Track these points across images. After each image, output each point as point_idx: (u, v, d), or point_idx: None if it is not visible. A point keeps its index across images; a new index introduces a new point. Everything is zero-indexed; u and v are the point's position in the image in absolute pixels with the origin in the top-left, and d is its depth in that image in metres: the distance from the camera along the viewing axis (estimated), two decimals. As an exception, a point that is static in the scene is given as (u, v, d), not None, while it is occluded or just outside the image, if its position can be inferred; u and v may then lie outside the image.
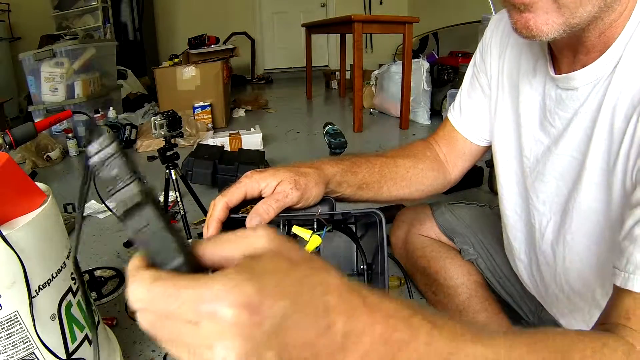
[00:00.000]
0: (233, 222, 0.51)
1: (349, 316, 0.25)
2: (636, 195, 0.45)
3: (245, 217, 0.50)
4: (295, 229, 0.55)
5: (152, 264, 0.25)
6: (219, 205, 0.50)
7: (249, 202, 0.53)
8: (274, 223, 0.60)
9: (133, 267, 0.25)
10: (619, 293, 0.41)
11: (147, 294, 0.23)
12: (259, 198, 0.53)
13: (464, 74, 0.81)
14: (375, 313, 0.26)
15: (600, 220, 0.55)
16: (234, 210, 0.52)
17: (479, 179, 1.80)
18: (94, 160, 0.25)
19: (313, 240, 0.53)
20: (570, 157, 0.58)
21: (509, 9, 0.50)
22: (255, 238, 0.25)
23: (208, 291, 0.22)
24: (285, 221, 0.59)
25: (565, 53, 0.56)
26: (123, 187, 0.25)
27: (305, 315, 0.23)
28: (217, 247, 0.26)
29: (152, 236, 0.25)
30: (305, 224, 0.57)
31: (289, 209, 0.53)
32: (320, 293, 0.24)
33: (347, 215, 0.56)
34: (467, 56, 2.92)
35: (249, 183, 0.52)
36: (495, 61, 0.72)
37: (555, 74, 0.58)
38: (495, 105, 0.73)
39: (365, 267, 0.63)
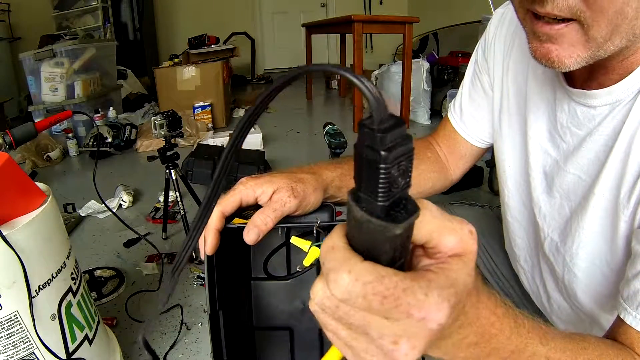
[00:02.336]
0: (228, 231, 0.49)
1: (469, 310, 0.29)
2: None
3: (242, 227, 0.48)
4: (294, 240, 0.52)
5: (356, 249, 0.25)
6: (215, 215, 0.48)
7: (244, 210, 0.52)
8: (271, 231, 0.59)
9: (340, 251, 0.25)
10: (626, 326, 0.44)
11: (361, 289, 0.23)
12: (255, 205, 0.51)
13: (464, 74, 0.79)
14: (483, 310, 0.31)
15: (603, 249, 0.54)
16: (228, 218, 0.50)
17: (479, 179, 1.80)
18: (390, 156, 0.21)
19: (312, 252, 0.51)
20: (578, 178, 0.56)
21: (527, 32, 0.46)
22: (469, 239, 0.27)
23: (426, 301, 0.23)
24: (283, 229, 0.58)
25: (580, 68, 0.53)
26: (402, 189, 0.23)
27: (459, 316, 0.28)
28: (436, 226, 0.26)
29: (396, 240, 0.24)
30: (305, 233, 0.56)
31: (287, 218, 0.52)
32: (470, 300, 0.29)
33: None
34: (467, 56, 2.92)
35: (244, 190, 0.50)
36: (499, 60, 0.68)
37: (568, 85, 0.55)
38: (499, 106, 0.70)
39: None
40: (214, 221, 0.48)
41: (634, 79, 0.47)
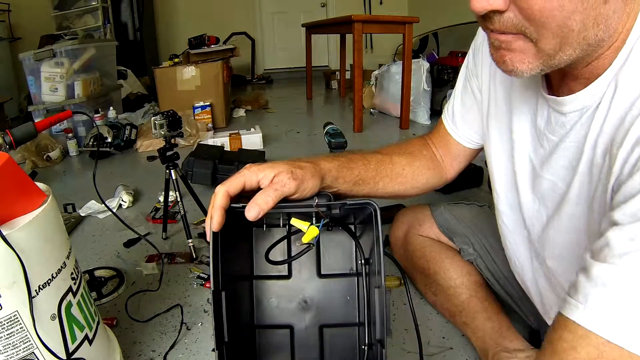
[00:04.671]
0: (233, 212, 0.53)
1: None
2: (599, 240, 0.38)
3: (245, 206, 0.52)
4: (294, 221, 0.56)
5: None
6: (221, 194, 0.52)
7: (248, 194, 0.55)
8: (273, 215, 0.61)
9: None
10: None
11: None
12: (257, 190, 0.55)
13: (463, 74, 0.80)
14: None
15: (579, 253, 0.54)
16: (234, 201, 0.54)
17: (478, 179, 1.80)
18: None
19: (310, 231, 0.54)
20: (553, 184, 0.57)
21: (488, 40, 0.47)
22: None
23: None
24: (284, 214, 0.60)
25: (553, 73, 0.54)
26: None
27: None
28: None
29: None
30: (304, 218, 0.58)
31: (286, 200, 0.55)
32: None
33: (342, 205, 0.57)
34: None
35: (248, 174, 0.55)
36: (486, 64, 0.69)
37: (547, 90, 0.56)
38: (487, 110, 0.71)
39: (363, 262, 0.65)
40: (220, 199, 0.52)
41: (598, 86, 0.47)
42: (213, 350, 0.55)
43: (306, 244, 0.55)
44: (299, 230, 0.60)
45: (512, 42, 0.43)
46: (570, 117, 0.52)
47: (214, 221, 0.51)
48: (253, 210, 0.51)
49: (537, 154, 0.59)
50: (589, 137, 0.48)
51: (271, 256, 0.62)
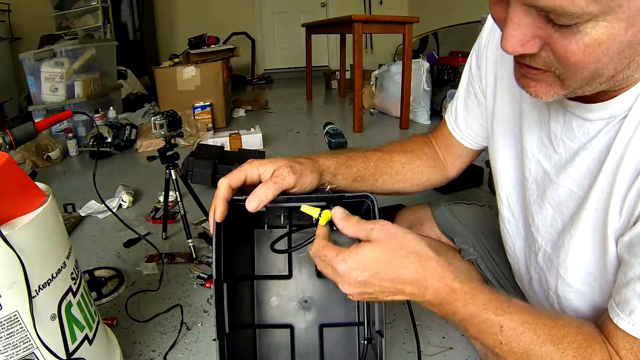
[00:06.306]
0: (236, 207, 0.55)
1: (421, 279, 0.49)
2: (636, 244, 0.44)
3: (247, 198, 0.54)
4: (304, 208, 0.58)
5: None
6: (223, 186, 0.55)
7: (249, 189, 0.56)
8: (274, 212, 0.63)
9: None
10: (616, 328, 0.46)
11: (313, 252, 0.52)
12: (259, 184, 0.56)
13: (464, 74, 0.80)
14: (439, 280, 0.49)
15: (598, 261, 0.53)
16: (237, 195, 0.57)
17: (479, 179, 1.80)
18: None
19: (325, 215, 0.55)
20: (570, 191, 0.55)
21: (514, 65, 0.47)
22: (374, 231, 0.51)
23: (334, 260, 0.50)
24: (284, 209, 0.62)
25: None
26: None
27: (387, 273, 0.49)
28: (351, 229, 0.52)
29: None
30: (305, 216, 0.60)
31: (285, 193, 0.57)
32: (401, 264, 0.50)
33: (341, 198, 0.59)
34: (467, 56, 2.90)
35: (250, 168, 0.57)
36: (491, 68, 0.68)
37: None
38: (491, 114, 0.69)
39: None
40: (223, 191, 0.55)
41: (628, 96, 0.47)
42: (214, 339, 0.56)
43: (310, 237, 0.57)
44: (300, 228, 0.60)
45: (540, 75, 0.44)
46: (596, 125, 0.51)
47: (217, 212, 0.54)
48: (253, 202, 0.53)
49: (551, 160, 0.58)
50: (615, 146, 0.48)
51: (271, 255, 0.63)
